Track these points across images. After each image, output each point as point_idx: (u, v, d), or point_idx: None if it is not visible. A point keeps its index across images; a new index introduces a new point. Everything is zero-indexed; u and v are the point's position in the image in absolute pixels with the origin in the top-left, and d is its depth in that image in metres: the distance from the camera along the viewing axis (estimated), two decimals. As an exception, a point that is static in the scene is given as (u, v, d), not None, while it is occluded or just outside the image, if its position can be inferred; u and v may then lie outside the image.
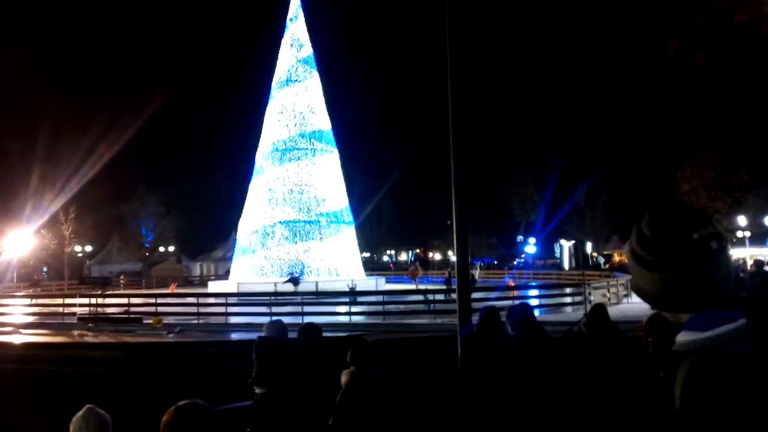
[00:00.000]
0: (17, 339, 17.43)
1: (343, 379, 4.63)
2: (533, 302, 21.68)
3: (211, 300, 25.79)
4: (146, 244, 65.82)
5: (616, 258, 60.91)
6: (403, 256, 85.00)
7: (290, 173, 36.08)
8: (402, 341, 14.05)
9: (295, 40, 38.73)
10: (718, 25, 10.30)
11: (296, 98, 37.39)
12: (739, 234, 40.56)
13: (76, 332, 18.72)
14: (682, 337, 1.30)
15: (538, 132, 75.51)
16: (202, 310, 22.50)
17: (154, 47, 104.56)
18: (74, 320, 20.80)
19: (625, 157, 54.94)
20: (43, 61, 63.97)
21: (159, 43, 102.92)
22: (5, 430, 10.62)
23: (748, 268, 21.94)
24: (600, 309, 5.99)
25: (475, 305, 7.59)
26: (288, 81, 37.88)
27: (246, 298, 24.69)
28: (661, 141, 54.20)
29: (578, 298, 21.96)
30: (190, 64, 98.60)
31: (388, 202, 66.97)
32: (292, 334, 6.19)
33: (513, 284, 32.32)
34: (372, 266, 56.03)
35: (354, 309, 21.86)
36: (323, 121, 37.84)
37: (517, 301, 15.92)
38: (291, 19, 39.36)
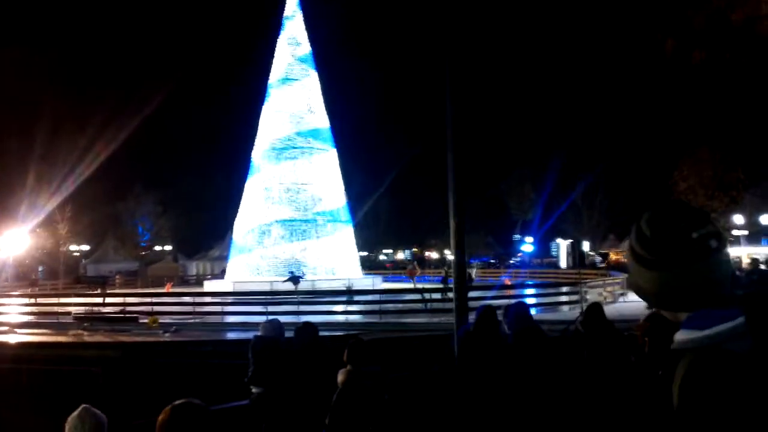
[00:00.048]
0: (13, 338, 17.39)
1: (340, 378, 4.63)
2: (530, 301, 21.70)
3: (208, 299, 25.76)
4: (142, 244, 65.69)
5: (613, 257, 61.02)
6: (401, 255, 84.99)
7: (287, 172, 36.05)
8: (399, 340, 14.06)
9: (293, 38, 38.70)
10: (715, 23, 10.31)
11: (293, 97, 37.36)
12: (736, 233, 40.64)
13: (71, 332, 18.68)
14: (681, 335, 1.30)
15: (535, 131, 75.65)
16: (199, 309, 22.47)
17: (150, 46, 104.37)
18: (70, 319, 20.74)
19: (622, 156, 55.06)
20: (38, 61, 63.70)
21: (155, 43, 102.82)
22: (1, 430, 10.59)
23: (744, 266, 21.99)
24: (596, 308, 6.00)
25: (471, 304, 7.60)
26: (285, 79, 37.84)
27: (242, 297, 24.67)
28: (658, 140, 54.29)
29: (575, 297, 21.98)
30: (186, 64, 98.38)
31: (385, 201, 66.90)
32: (289, 333, 6.18)
33: (510, 283, 32.34)
34: (369, 265, 55.98)
35: (351, 308, 21.85)
36: (320, 120, 37.81)
37: (513, 300, 15.93)
38: (288, 18, 39.32)
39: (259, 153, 37.48)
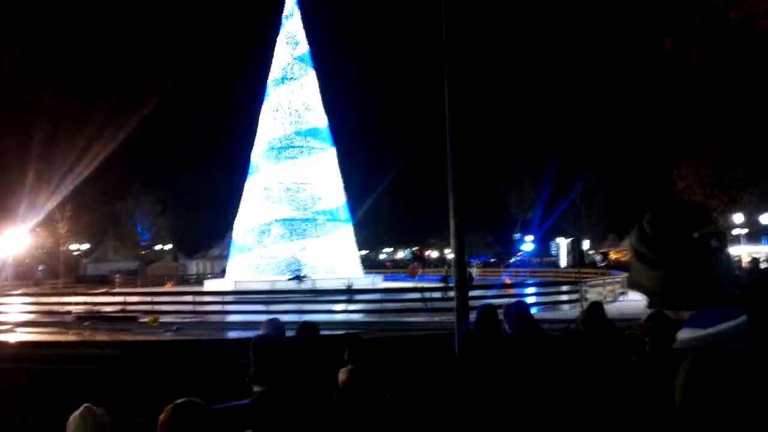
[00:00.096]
0: (13, 337, 17.38)
1: (341, 377, 4.63)
2: (530, 300, 21.72)
3: (208, 298, 25.76)
4: (142, 243, 65.72)
5: (613, 256, 61.02)
6: (400, 254, 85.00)
7: (286, 171, 36.05)
8: (399, 339, 14.05)
9: (291, 37, 38.66)
10: (713, 22, 10.31)
11: (292, 96, 37.34)
12: (735, 232, 40.65)
13: (72, 330, 18.68)
14: (683, 334, 1.31)
15: (534, 130, 75.58)
16: (199, 308, 22.47)
17: (149, 46, 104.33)
18: (70, 318, 20.74)
19: (621, 155, 55.09)
20: (37, 61, 63.67)
21: (154, 43, 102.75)
22: (1, 430, 10.59)
23: (744, 265, 22.00)
24: (597, 307, 6.02)
25: (472, 303, 7.60)
26: (284, 79, 37.82)
27: (243, 296, 24.69)
28: (656, 139, 54.33)
29: (575, 296, 21.98)
30: (185, 63, 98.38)
31: (385, 200, 66.92)
32: (290, 333, 6.19)
33: (510, 282, 32.34)
34: (369, 264, 55.99)
35: (351, 307, 21.86)
36: (319, 119, 37.80)
37: (514, 299, 15.93)
38: (286, 17, 39.29)
39: (258, 152, 37.47)
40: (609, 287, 24.37)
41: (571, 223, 58.12)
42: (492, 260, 64.08)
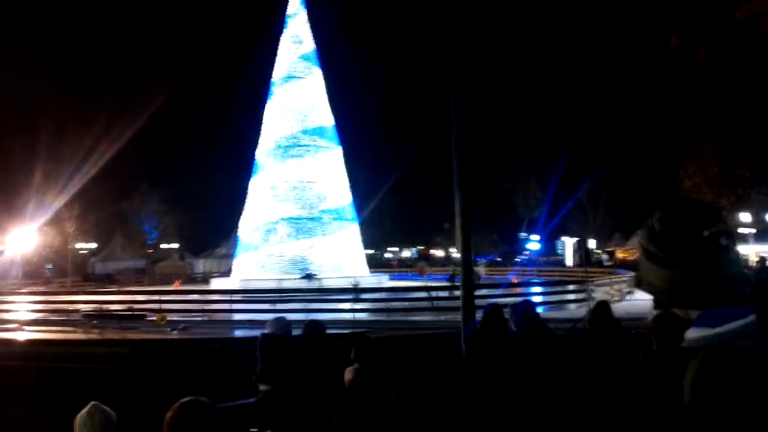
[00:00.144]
0: (21, 336, 17.48)
1: (347, 376, 4.64)
2: (536, 299, 21.67)
3: (215, 297, 25.82)
4: (149, 242, 65.95)
5: (619, 255, 60.83)
6: (406, 253, 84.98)
7: (292, 170, 36.07)
8: (405, 338, 14.06)
9: (296, 36, 38.67)
10: (720, 21, 10.26)
11: (297, 95, 37.36)
12: (742, 231, 40.46)
13: (80, 329, 18.77)
14: (692, 333, 1.31)
15: (540, 129, 75.37)
16: (206, 306, 22.53)
17: (155, 46, 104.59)
18: (78, 317, 20.84)
19: (627, 154, 54.90)
20: (46, 60, 63.99)
21: (160, 42, 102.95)
22: (10, 428, 10.66)
23: (752, 264, 21.90)
24: (603, 306, 6.00)
25: (478, 302, 7.60)
26: (289, 77, 37.83)
27: (250, 295, 24.73)
28: (663, 138, 54.11)
29: (581, 295, 21.91)
30: (190, 62, 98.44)
31: (391, 199, 66.85)
32: (296, 331, 6.20)
33: (516, 281, 32.29)
34: (375, 263, 55.99)
35: (357, 306, 21.87)
36: (325, 118, 37.81)
37: (520, 299, 15.91)
38: (291, 15, 39.29)
39: (264, 151, 37.51)
40: (616, 286, 24.29)
41: (578, 222, 57.95)
42: (498, 259, 64.02)
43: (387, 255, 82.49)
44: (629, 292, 24.58)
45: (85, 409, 3.60)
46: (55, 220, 49.16)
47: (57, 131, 48.13)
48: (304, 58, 38.28)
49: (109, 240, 63.52)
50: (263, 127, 38.16)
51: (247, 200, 38.08)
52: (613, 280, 25.37)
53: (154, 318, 19.48)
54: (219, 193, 65.33)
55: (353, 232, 37.76)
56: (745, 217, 41.03)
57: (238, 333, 17.91)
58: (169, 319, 19.32)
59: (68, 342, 16.47)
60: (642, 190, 50.43)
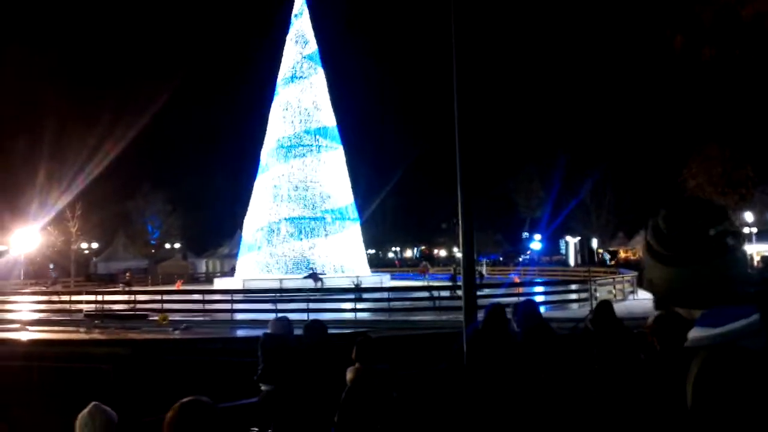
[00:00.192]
0: (24, 336, 17.51)
1: (349, 376, 4.63)
2: (539, 299, 21.65)
3: (217, 297, 25.84)
4: (152, 242, 65.98)
5: (622, 254, 60.77)
6: (408, 253, 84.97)
7: (295, 170, 36.11)
8: (407, 338, 14.05)
9: (300, 36, 38.71)
10: (725, 20, 10.23)
11: (301, 95, 37.40)
12: (746, 230, 40.37)
13: (82, 329, 18.79)
14: (695, 333, 1.29)
15: (543, 128, 75.33)
16: (208, 306, 22.56)
17: (159, 46, 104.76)
18: (81, 317, 20.87)
19: (630, 154, 54.82)
20: (49, 60, 64.18)
21: (164, 42, 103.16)
22: (12, 427, 10.66)
23: (755, 264, 21.85)
24: (606, 306, 5.98)
25: (480, 302, 7.57)
26: (293, 78, 37.87)
27: (252, 294, 24.75)
28: (667, 137, 54.03)
29: (584, 295, 21.90)
30: (194, 63, 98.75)
31: (393, 199, 66.84)
32: (298, 331, 6.19)
33: (518, 281, 32.27)
34: (377, 263, 55.99)
35: (359, 306, 21.88)
36: (328, 118, 37.84)
37: (522, 298, 15.90)
38: (296, 16, 39.35)
39: (267, 151, 37.56)
40: (618, 286, 24.27)
41: (580, 221, 57.86)
42: (501, 259, 63.98)
43: (389, 255, 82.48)
44: (632, 292, 24.57)
45: (86, 410, 3.60)
46: (58, 220, 49.22)
47: (60, 131, 48.29)
48: (308, 58, 38.32)
49: (112, 240, 63.60)
50: (267, 127, 38.21)
51: (250, 200, 38.13)
52: (616, 279, 25.34)
53: (156, 318, 19.51)
54: (222, 193, 65.56)
55: (355, 231, 37.78)
56: (748, 216, 40.95)
57: (240, 333, 17.92)
58: (171, 318, 19.34)
59: (70, 342, 16.50)
60: (645, 189, 50.38)
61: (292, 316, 8.19)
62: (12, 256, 45.22)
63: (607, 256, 59.03)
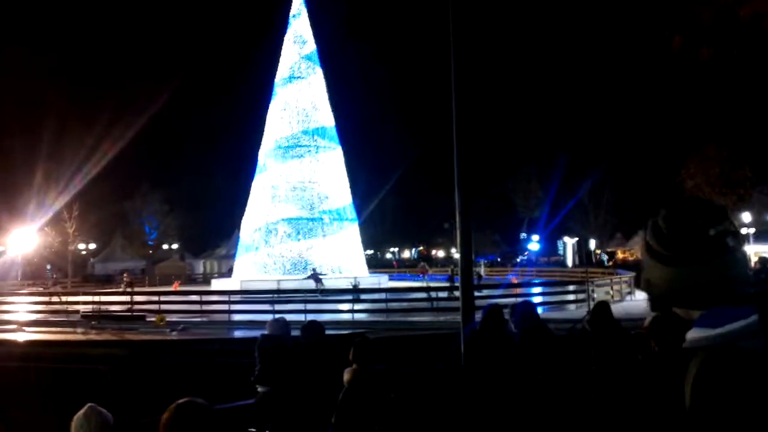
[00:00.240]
0: (21, 337, 17.47)
1: (346, 376, 4.61)
2: (536, 300, 21.67)
3: (215, 297, 25.80)
4: (149, 242, 65.96)
5: (620, 255, 60.84)
6: (407, 254, 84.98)
7: (293, 170, 36.06)
8: (405, 339, 14.05)
9: (298, 36, 38.68)
10: (723, 20, 10.25)
11: (299, 95, 37.37)
12: (744, 231, 40.42)
13: (79, 330, 18.75)
14: (694, 333, 1.29)
15: (541, 128, 75.35)
16: (206, 307, 22.52)
17: (156, 46, 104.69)
18: (78, 318, 20.83)
19: (628, 154, 54.85)
20: (46, 60, 64.11)
21: (162, 42, 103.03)
22: (9, 428, 10.64)
23: (753, 265, 21.87)
24: (603, 306, 5.98)
25: (478, 303, 7.57)
26: (291, 78, 37.84)
27: (249, 295, 24.71)
28: (665, 137, 54.08)
29: (581, 296, 21.92)
30: (192, 63, 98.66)
31: (391, 199, 66.85)
32: (295, 332, 6.18)
33: (516, 282, 32.29)
34: (375, 264, 55.96)
35: (357, 306, 21.87)
36: (326, 118, 37.81)
37: (520, 299, 15.90)
38: (294, 16, 39.32)
39: (265, 151, 37.52)
40: (616, 287, 24.29)
41: (579, 222, 57.91)
42: (499, 259, 64.02)
43: (387, 255, 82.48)
44: (630, 293, 24.59)
45: (82, 411, 3.59)
46: (56, 221, 49.16)
47: (58, 131, 48.26)
48: (307, 58, 38.29)
49: (109, 241, 63.54)
50: (265, 128, 38.17)
51: (248, 201, 38.09)
52: (613, 280, 25.36)
53: (153, 319, 19.47)
54: (220, 194, 65.44)
55: (353, 232, 37.75)
56: (745, 217, 40.99)
57: (238, 333, 17.89)
58: (168, 319, 19.31)
59: (68, 343, 16.46)
60: (644, 190, 50.42)
61: (289, 316, 8.19)
62: (9, 256, 45.15)
63: (605, 257, 59.07)
